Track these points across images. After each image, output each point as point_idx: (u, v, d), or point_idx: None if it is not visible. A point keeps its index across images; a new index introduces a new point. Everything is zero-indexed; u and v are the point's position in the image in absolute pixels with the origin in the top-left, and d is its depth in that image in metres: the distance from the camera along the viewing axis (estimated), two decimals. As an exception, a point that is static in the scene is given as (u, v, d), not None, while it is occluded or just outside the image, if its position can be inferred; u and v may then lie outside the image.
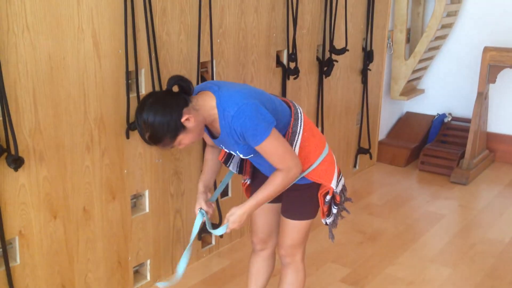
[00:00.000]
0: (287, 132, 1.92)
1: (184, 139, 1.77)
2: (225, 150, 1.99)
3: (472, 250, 3.09)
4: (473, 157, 4.19)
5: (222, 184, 2.17)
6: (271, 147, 1.80)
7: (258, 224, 2.18)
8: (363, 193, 3.93)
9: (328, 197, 2.01)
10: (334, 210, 2.06)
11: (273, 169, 1.89)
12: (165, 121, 1.71)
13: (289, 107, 1.98)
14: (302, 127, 1.94)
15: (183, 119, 1.73)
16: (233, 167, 2.11)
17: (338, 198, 2.02)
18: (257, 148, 1.81)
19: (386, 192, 3.96)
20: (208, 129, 1.92)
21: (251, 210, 1.89)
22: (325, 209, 2.04)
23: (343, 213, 2.14)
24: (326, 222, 2.10)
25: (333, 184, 1.99)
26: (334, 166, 2.03)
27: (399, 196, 3.90)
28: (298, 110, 1.99)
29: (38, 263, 2.14)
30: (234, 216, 1.89)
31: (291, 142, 1.91)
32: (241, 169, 2.15)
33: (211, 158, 2.09)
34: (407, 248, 3.11)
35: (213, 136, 1.92)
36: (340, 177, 2.06)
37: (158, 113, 1.71)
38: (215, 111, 1.80)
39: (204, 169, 2.10)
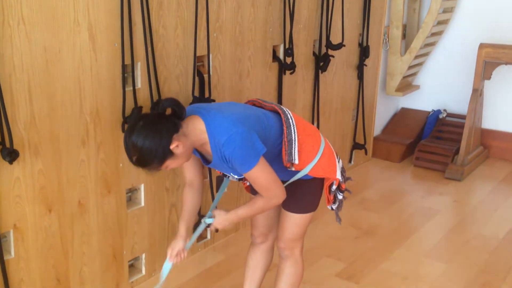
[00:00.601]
0: (283, 142, 1.92)
1: (171, 164, 1.78)
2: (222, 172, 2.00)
3: (466, 246, 3.10)
4: (467, 153, 4.21)
5: (219, 194, 2.15)
6: (257, 177, 1.82)
7: (259, 218, 2.18)
8: (358, 188, 3.93)
9: (333, 187, 2.04)
10: (340, 197, 2.10)
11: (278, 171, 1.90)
12: (153, 147, 1.70)
13: (278, 114, 1.97)
14: (296, 132, 1.93)
15: (172, 146, 1.72)
16: (232, 176, 2.05)
17: (343, 186, 2.06)
18: (245, 175, 1.83)
19: (381, 188, 3.97)
20: (201, 154, 1.91)
21: (233, 221, 1.94)
22: (331, 197, 2.07)
23: (345, 193, 2.16)
24: (332, 208, 2.13)
25: (338, 175, 2.01)
26: (334, 157, 2.04)
27: (394, 191, 3.92)
28: (288, 115, 1.96)
29: (33, 256, 2.13)
30: (220, 218, 1.92)
31: (289, 150, 1.91)
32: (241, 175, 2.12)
33: (191, 199, 2.06)
34: (402, 243, 3.12)
35: (206, 160, 1.92)
36: (338, 161, 2.07)
37: (148, 138, 1.69)
38: (205, 135, 1.80)
39: (184, 210, 2.06)
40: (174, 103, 1.77)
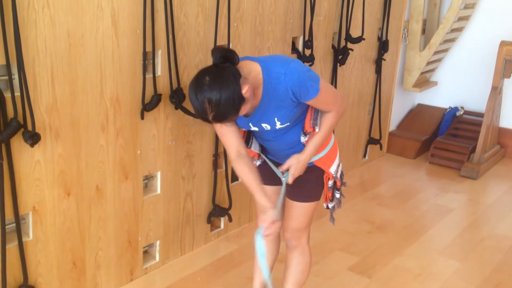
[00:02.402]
0: (310, 109, 1.94)
1: (243, 110, 1.73)
2: (253, 128, 1.92)
3: (480, 245, 3.08)
4: (484, 152, 4.17)
5: (280, 199, 2.08)
6: (326, 92, 1.85)
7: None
8: (372, 184, 3.92)
9: (330, 182, 2.07)
10: (337, 195, 2.13)
11: (285, 151, 1.96)
12: (230, 97, 1.64)
13: None
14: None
15: (243, 91, 1.68)
16: (255, 147, 2.07)
17: (338, 183, 2.09)
18: (314, 99, 1.82)
19: (395, 184, 3.96)
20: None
21: (311, 155, 1.96)
22: (330, 194, 2.11)
23: (340, 197, 2.19)
24: (327, 206, 2.16)
25: (331, 170, 2.04)
26: (337, 153, 2.09)
27: (408, 188, 3.90)
28: None
29: (51, 239, 2.16)
30: (296, 166, 1.95)
31: (315, 116, 1.93)
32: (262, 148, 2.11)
33: (249, 168, 1.94)
34: (415, 240, 3.11)
35: (243, 121, 1.90)
36: (339, 164, 2.11)
37: (222, 89, 1.63)
38: (261, 76, 1.78)
39: (251, 181, 1.94)
40: (225, 50, 1.72)
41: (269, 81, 1.78)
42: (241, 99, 1.68)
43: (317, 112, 1.95)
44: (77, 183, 2.19)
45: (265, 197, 1.93)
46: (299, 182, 2.02)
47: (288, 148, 2.01)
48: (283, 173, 2.01)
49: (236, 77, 1.68)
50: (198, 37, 2.53)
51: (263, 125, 1.90)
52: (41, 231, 2.12)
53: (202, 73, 1.69)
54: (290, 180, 1.98)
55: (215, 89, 1.64)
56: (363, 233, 3.17)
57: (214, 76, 1.66)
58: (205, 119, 1.71)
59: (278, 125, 1.89)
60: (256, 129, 1.94)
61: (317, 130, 1.93)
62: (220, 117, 1.69)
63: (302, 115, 1.94)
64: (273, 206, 1.95)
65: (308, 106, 1.94)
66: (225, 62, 1.70)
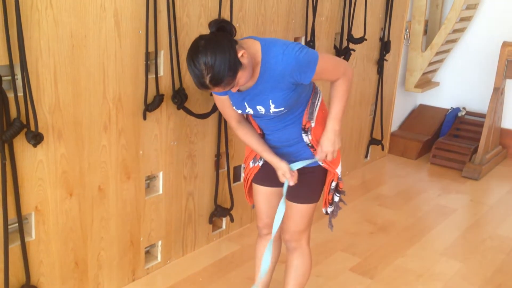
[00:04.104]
0: (307, 103, 1.96)
1: (241, 77, 1.75)
2: (248, 109, 1.92)
3: (482, 246, 3.08)
4: (486, 153, 4.17)
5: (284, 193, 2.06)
6: (326, 61, 1.87)
7: (262, 209, 2.18)
8: (374, 184, 3.92)
9: (333, 184, 2.06)
10: (336, 199, 2.11)
11: (285, 149, 1.98)
12: (225, 58, 1.67)
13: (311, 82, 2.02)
14: (319, 104, 1.99)
15: (239, 54, 1.71)
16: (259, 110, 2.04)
17: (341, 185, 2.07)
18: (315, 75, 1.83)
19: (397, 184, 3.95)
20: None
21: (337, 128, 1.95)
22: (330, 197, 2.09)
23: (340, 204, 2.18)
24: (326, 211, 2.15)
25: (338, 170, 2.04)
26: (339, 156, 2.08)
27: (409, 188, 3.90)
28: (318, 89, 2.05)
29: (53, 239, 2.16)
30: (326, 146, 1.95)
31: (311, 111, 1.95)
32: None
33: (251, 131, 2.03)
34: (417, 240, 3.11)
35: (236, 97, 1.92)
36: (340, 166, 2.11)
37: (216, 52, 1.67)
38: (259, 54, 1.80)
39: (256, 144, 2.02)
40: (221, 21, 1.76)
41: (267, 60, 1.79)
42: (237, 62, 1.71)
43: (314, 106, 1.96)
44: (80, 183, 2.20)
45: (273, 154, 2.00)
46: (299, 183, 2.02)
47: (287, 145, 2.00)
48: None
49: (231, 42, 1.72)
50: (200, 37, 2.53)
51: (258, 107, 1.90)
52: (43, 231, 2.12)
53: (198, 39, 1.74)
54: (330, 156, 1.97)
55: (209, 50, 1.67)
56: (365, 233, 3.17)
57: (208, 40, 1.70)
58: (203, 85, 1.72)
59: (273, 109, 1.88)
60: (251, 111, 1.93)
61: (312, 124, 1.95)
62: (217, 80, 1.69)
63: (299, 106, 1.94)
64: (282, 160, 1.98)
65: (305, 98, 1.94)
66: (221, 32, 1.75)
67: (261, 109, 1.90)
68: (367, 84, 3.95)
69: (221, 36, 1.72)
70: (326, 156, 1.97)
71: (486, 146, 4.14)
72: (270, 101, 1.86)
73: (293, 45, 1.81)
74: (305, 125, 1.96)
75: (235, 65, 1.70)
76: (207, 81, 1.70)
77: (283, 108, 1.88)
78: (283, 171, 1.98)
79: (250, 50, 1.79)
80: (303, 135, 1.98)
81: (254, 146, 2.03)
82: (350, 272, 2.75)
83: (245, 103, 1.91)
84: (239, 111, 1.96)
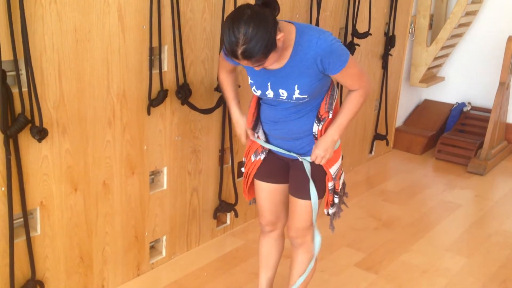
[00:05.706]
0: (326, 94, 1.94)
1: (271, 58, 1.72)
2: (269, 91, 1.89)
3: (487, 241, 3.07)
4: (491, 148, 4.15)
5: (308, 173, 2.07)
6: (354, 65, 1.85)
7: (265, 206, 2.16)
8: (379, 179, 3.91)
9: (330, 184, 2.03)
10: (336, 200, 2.08)
11: (291, 141, 1.96)
12: (265, 35, 1.63)
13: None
14: (336, 97, 1.98)
15: (278, 37, 1.69)
16: (261, 134, 2.05)
17: (337, 186, 2.04)
18: (341, 72, 1.81)
19: (401, 179, 3.94)
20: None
21: (335, 138, 1.93)
22: (331, 198, 2.06)
23: (342, 206, 2.17)
24: (328, 213, 2.13)
25: (331, 170, 2.00)
26: (339, 156, 2.05)
27: (414, 184, 3.88)
28: (335, 86, 2.01)
29: (58, 234, 2.17)
30: (320, 147, 1.93)
31: (330, 101, 1.94)
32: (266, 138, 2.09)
33: (233, 79, 2.11)
34: (422, 236, 3.10)
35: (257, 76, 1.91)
36: (342, 172, 2.09)
37: (260, 27, 1.63)
38: (293, 36, 1.78)
39: (229, 91, 2.10)
40: None
41: (300, 43, 1.78)
42: (273, 44, 1.68)
43: (333, 97, 1.94)
44: (84, 179, 2.20)
45: (237, 106, 2.08)
46: (301, 178, 2.01)
47: (295, 137, 1.97)
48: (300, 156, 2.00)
49: (274, 21, 1.69)
50: (204, 32, 2.52)
51: (281, 90, 1.87)
52: (48, 226, 2.13)
53: (244, 7, 1.69)
54: (318, 160, 1.95)
55: (253, 23, 1.63)
56: (370, 229, 3.17)
57: (256, 11, 1.66)
58: (234, 53, 1.67)
59: (297, 94, 1.85)
60: (271, 93, 1.89)
61: (330, 115, 1.93)
62: (249, 54, 1.66)
63: (318, 97, 1.91)
64: (243, 116, 2.06)
65: (325, 92, 1.92)
66: (266, 7, 1.72)
67: (283, 93, 1.86)
68: (371, 79, 3.94)
69: (268, 13, 1.68)
70: (316, 158, 1.95)
71: (491, 141, 4.12)
72: (296, 86, 1.84)
73: (328, 33, 1.80)
74: (322, 115, 1.93)
75: (271, 46, 1.67)
76: (239, 51, 1.66)
77: (306, 96, 1.86)
78: (240, 128, 2.05)
79: (284, 32, 1.75)
80: (315, 124, 1.94)
81: (226, 91, 2.12)
82: (355, 268, 2.75)
83: (268, 84, 1.88)
84: (259, 92, 1.92)
